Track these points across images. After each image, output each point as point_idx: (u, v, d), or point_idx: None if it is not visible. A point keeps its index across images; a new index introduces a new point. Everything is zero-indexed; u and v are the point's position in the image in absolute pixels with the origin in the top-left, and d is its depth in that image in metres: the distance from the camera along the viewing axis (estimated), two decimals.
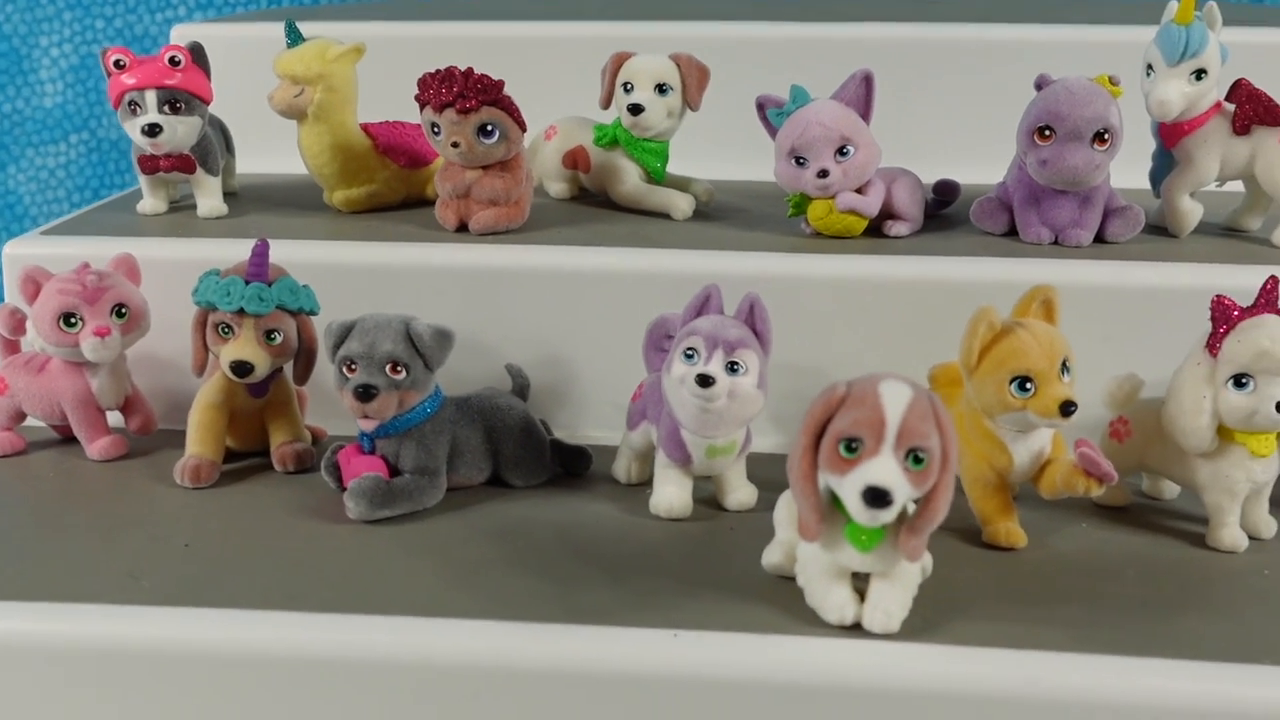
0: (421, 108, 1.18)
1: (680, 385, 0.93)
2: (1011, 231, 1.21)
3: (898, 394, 0.76)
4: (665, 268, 1.15)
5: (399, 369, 0.97)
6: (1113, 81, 1.12)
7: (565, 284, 1.16)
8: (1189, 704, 0.77)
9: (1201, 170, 1.17)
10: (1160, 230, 1.22)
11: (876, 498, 0.74)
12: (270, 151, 1.39)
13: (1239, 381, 0.90)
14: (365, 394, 0.96)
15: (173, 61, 1.23)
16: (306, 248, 1.20)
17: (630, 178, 1.30)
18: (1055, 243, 1.18)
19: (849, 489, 0.75)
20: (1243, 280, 1.00)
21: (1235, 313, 0.91)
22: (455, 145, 1.16)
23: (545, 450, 1.07)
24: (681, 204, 1.28)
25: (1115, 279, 1.12)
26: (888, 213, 1.21)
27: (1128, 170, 1.24)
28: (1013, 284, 0.98)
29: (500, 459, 1.05)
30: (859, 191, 1.18)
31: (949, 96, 1.51)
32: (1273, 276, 0.91)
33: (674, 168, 1.33)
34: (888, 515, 0.75)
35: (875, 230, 1.21)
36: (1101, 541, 0.97)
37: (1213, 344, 0.92)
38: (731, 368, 0.92)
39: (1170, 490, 1.04)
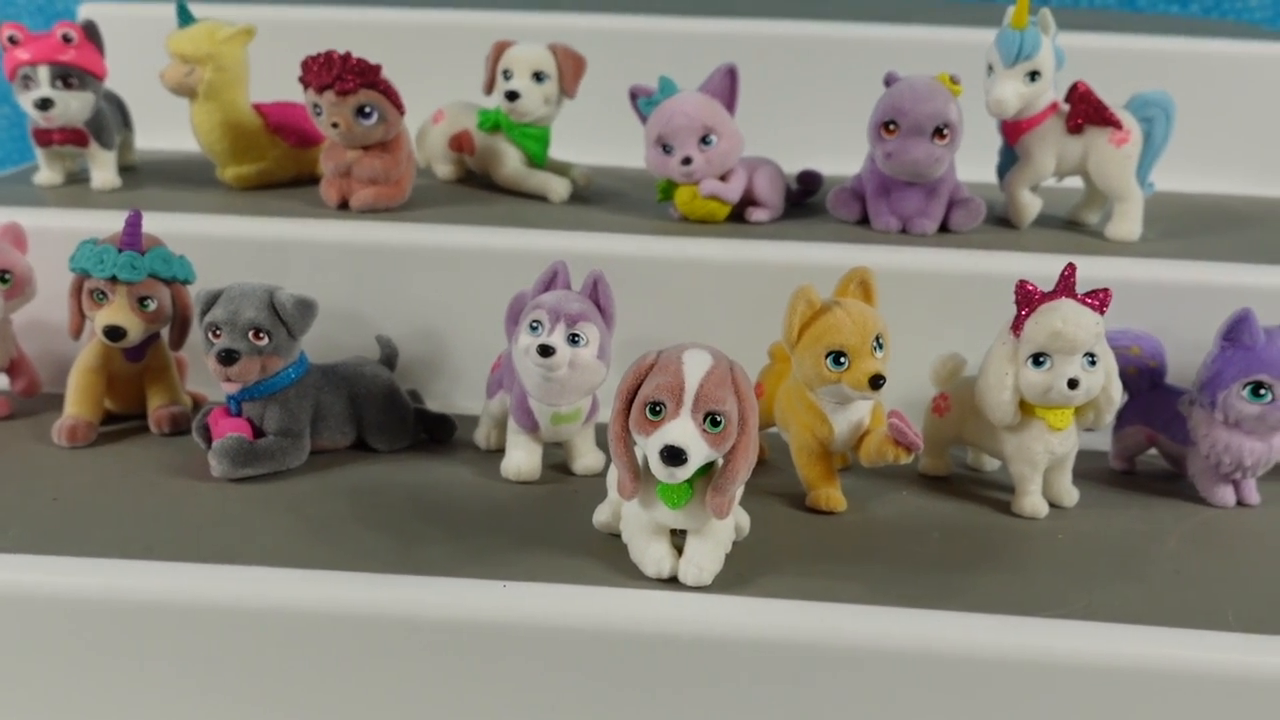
0: (305, 89, 1.23)
1: (525, 355, 0.98)
2: (864, 220, 1.28)
3: (698, 362, 0.82)
4: (538, 247, 1.20)
5: (261, 335, 1.02)
6: (953, 80, 1.19)
7: (441, 261, 1.22)
8: (966, 651, 0.83)
9: (1039, 166, 1.24)
10: (1004, 222, 1.29)
11: (673, 455, 0.80)
12: (173, 129, 1.43)
13: (1037, 360, 0.97)
14: (227, 358, 1.01)
15: (65, 38, 1.27)
16: (195, 221, 1.25)
17: (511, 161, 1.35)
18: (903, 231, 1.25)
19: (651, 448, 0.81)
20: None
21: (1036, 296, 0.98)
22: (335, 125, 1.22)
23: (408, 416, 1.12)
24: (558, 187, 1.34)
25: (956, 266, 1.19)
26: (749, 200, 1.28)
27: (978, 165, 1.32)
28: None
29: (364, 424, 1.10)
30: (722, 179, 1.25)
31: (817, 90, 1.57)
32: (1071, 264, 0.98)
33: (555, 153, 1.39)
34: (684, 472, 0.81)
35: (738, 216, 1.28)
36: (917, 507, 1.03)
37: (1016, 325, 0.98)
38: (573, 339, 0.98)
39: (991, 463, 1.11)
